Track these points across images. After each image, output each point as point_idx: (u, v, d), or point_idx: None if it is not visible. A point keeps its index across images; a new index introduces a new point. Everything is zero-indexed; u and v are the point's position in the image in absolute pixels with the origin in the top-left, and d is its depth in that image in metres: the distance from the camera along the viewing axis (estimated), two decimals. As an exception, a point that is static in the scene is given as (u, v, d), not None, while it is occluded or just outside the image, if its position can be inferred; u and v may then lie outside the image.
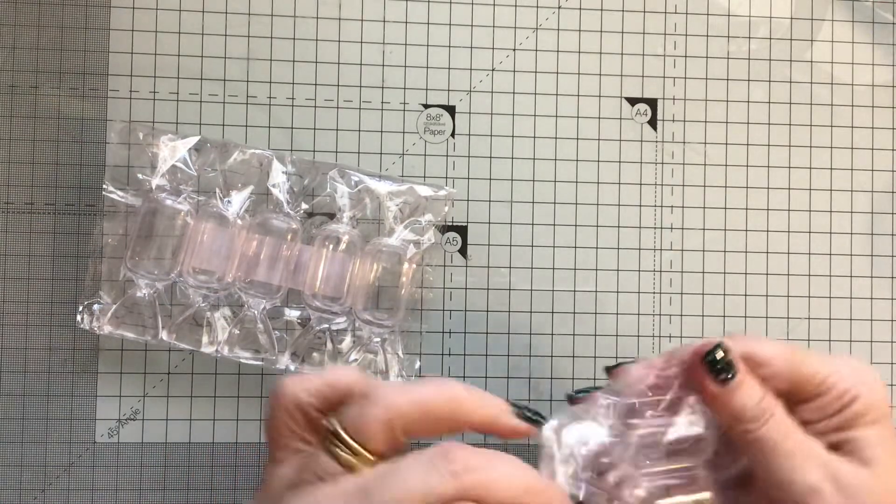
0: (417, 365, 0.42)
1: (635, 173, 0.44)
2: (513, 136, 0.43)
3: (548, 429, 0.30)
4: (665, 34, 0.44)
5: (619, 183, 0.44)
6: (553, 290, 0.43)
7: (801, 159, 0.44)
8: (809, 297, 0.44)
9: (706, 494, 0.31)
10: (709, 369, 0.30)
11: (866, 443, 0.30)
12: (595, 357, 0.43)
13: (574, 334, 0.43)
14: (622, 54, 0.44)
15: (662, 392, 0.31)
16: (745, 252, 0.44)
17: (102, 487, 0.41)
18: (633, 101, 0.44)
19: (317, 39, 0.43)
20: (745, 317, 0.44)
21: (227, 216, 0.40)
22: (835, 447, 0.30)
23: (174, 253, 0.39)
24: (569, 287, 0.43)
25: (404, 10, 0.43)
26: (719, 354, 0.30)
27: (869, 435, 0.30)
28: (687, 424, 0.31)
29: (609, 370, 0.33)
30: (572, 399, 0.32)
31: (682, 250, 0.44)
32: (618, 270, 0.43)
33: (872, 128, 0.45)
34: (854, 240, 0.45)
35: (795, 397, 0.31)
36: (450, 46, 0.43)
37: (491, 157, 0.43)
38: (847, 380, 0.30)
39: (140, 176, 0.40)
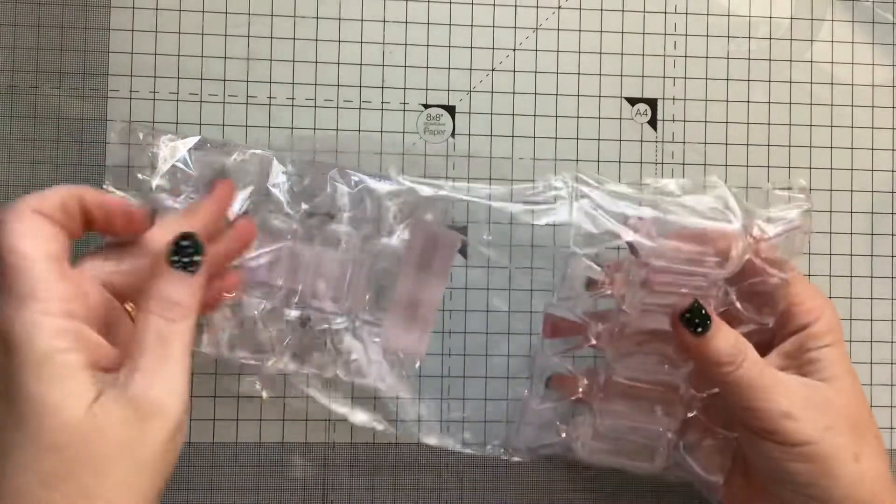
0: (417, 365, 0.42)
1: (635, 173, 0.44)
2: (513, 136, 0.43)
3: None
4: (665, 34, 0.44)
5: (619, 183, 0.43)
6: (553, 290, 0.43)
7: (801, 159, 0.44)
8: (809, 297, 0.44)
9: None
10: (686, 325, 0.34)
11: (827, 362, 0.34)
12: (594, 357, 0.43)
13: (574, 334, 0.43)
14: (622, 54, 0.44)
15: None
16: (745, 252, 0.44)
17: (102, 487, 0.41)
18: (633, 101, 0.44)
19: (317, 39, 0.43)
20: (745, 317, 0.44)
21: (227, 216, 0.39)
22: (798, 367, 0.35)
23: (174, 253, 0.39)
24: (569, 287, 0.43)
25: (404, 10, 0.43)
26: (694, 311, 0.34)
27: (828, 354, 0.34)
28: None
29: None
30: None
31: (682, 250, 0.44)
32: (618, 270, 0.43)
33: (872, 128, 0.45)
34: (854, 240, 0.45)
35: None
36: (450, 46, 0.43)
37: (491, 158, 0.43)
38: (813, 299, 0.35)
39: (140, 176, 0.40)
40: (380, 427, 0.41)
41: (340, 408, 0.41)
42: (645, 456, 0.39)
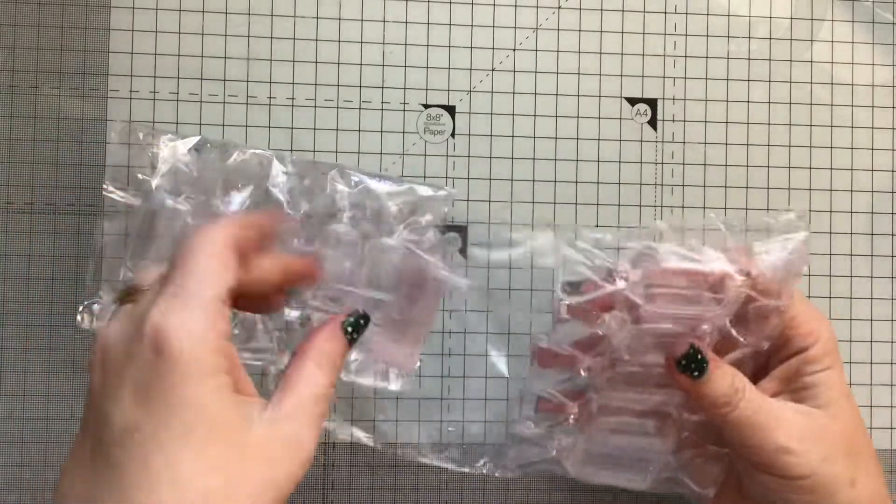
0: (417, 365, 0.42)
1: (635, 173, 0.44)
2: (513, 136, 0.43)
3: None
4: (665, 34, 0.44)
5: (619, 183, 0.44)
6: (553, 291, 0.43)
7: (801, 159, 0.44)
8: (808, 297, 0.44)
9: None
10: (682, 371, 0.34)
11: (823, 387, 0.34)
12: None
13: (574, 334, 0.43)
14: (622, 54, 0.44)
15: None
16: (745, 252, 0.44)
17: (102, 487, 0.41)
18: (633, 101, 0.44)
19: (317, 39, 0.43)
20: (745, 317, 0.44)
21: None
22: (794, 392, 0.35)
23: (174, 253, 0.39)
24: (569, 287, 0.43)
25: (404, 10, 0.43)
26: (690, 357, 0.34)
27: (824, 379, 0.34)
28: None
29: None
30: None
31: (682, 250, 0.44)
32: (618, 270, 0.43)
33: (872, 128, 0.45)
34: (854, 240, 0.45)
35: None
36: (450, 46, 0.43)
37: (491, 157, 0.43)
38: (810, 322, 0.35)
39: (140, 176, 0.40)
40: (369, 443, 0.41)
41: (340, 434, 0.42)
42: (636, 475, 0.38)
